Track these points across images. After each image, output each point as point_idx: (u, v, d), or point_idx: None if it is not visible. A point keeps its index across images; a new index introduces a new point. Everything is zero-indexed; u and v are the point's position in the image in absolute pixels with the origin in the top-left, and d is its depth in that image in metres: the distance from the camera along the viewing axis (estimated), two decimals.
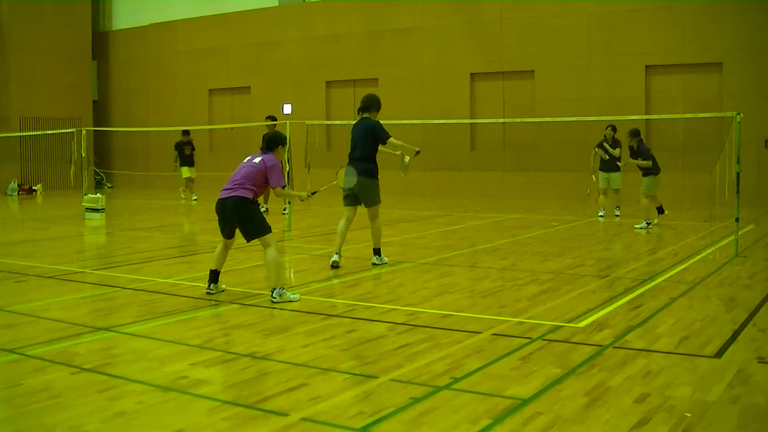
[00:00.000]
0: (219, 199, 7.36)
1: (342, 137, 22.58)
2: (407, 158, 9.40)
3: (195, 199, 19.86)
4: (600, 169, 14.92)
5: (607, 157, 14.69)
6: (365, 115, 9.30)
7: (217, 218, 7.49)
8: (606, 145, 14.53)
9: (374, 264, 9.31)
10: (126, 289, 8.07)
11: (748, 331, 5.96)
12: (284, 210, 14.05)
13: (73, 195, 20.86)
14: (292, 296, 7.25)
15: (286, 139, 7.69)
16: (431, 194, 20.48)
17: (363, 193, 9.15)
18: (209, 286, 7.57)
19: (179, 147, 20.13)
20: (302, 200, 7.95)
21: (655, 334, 5.91)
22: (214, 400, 4.45)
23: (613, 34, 18.82)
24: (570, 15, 19.30)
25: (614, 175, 14.76)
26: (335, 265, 9.11)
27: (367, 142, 9.11)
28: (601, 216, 14.83)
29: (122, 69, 27.52)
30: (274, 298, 7.18)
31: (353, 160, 9.10)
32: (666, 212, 13.51)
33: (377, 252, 9.39)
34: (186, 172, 20.09)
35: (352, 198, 9.23)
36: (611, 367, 5.03)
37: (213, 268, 7.58)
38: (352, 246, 10.31)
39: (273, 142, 7.49)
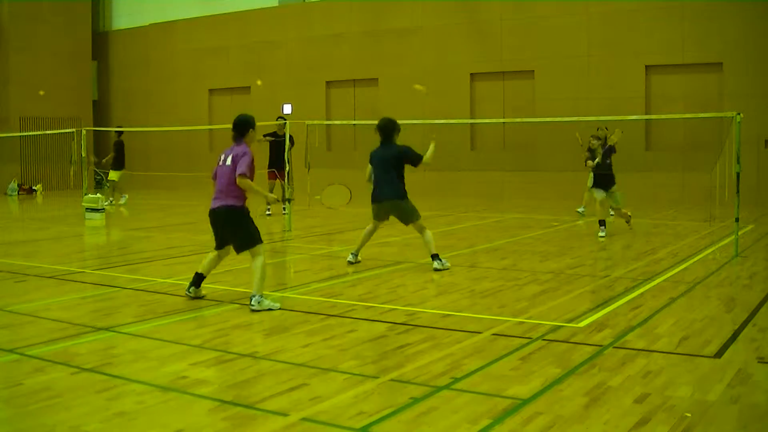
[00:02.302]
0: (211, 210, 7.21)
1: (342, 137, 22.67)
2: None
3: (109, 203, 18.85)
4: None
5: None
6: (388, 142, 9.13)
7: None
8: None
9: (435, 269, 8.97)
10: (126, 289, 8.07)
11: (748, 331, 5.96)
12: (284, 210, 14.01)
13: (73, 195, 20.87)
14: (272, 305, 6.96)
15: (254, 120, 7.31)
16: (431, 194, 20.46)
17: (397, 213, 9.19)
18: (189, 288, 7.41)
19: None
20: (268, 202, 7.74)
21: (655, 334, 5.91)
22: (214, 400, 4.45)
23: (613, 34, 18.82)
24: (570, 15, 19.30)
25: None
26: (350, 263, 9.31)
27: (396, 166, 9.05)
28: (580, 211, 15.07)
29: (122, 69, 27.53)
30: (253, 305, 6.90)
31: (382, 185, 9.04)
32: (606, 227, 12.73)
33: (435, 257, 9.08)
34: (112, 174, 19.24)
35: (383, 216, 9.28)
36: (611, 367, 5.03)
37: (199, 272, 7.42)
38: (352, 246, 10.29)
39: (243, 126, 7.15)
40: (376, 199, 9.17)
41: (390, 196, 9.03)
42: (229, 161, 7.10)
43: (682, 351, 5.42)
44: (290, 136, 14.23)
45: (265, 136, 15.85)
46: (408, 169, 9.32)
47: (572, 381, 4.74)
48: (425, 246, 9.23)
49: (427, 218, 15.06)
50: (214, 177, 7.32)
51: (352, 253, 9.46)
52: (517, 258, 10.04)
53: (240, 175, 6.95)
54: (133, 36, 27.11)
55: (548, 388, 4.61)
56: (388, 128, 9.17)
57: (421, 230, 9.18)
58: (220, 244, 7.34)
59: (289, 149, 14.37)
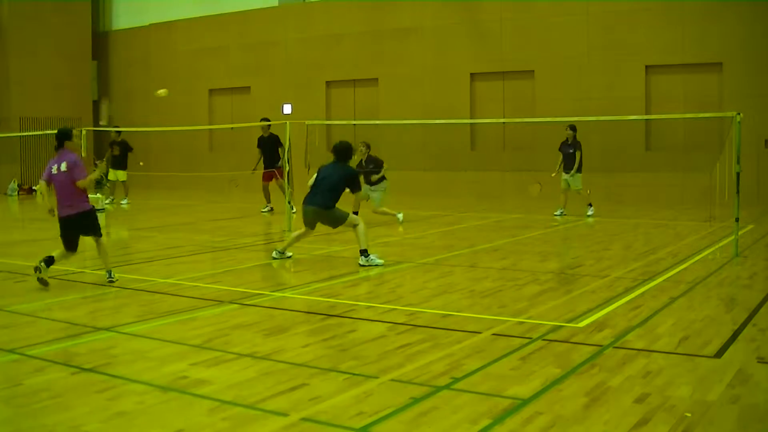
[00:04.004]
0: (64, 217, 8.10)
1: (342, 137, 22.59)
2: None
3: (108, 202, 19.00)
4: (564, 170, 15.32)
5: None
6: (341, 163, 9.61)
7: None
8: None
9: (360, 264, 9.24)
10: (126, 289, 8.07)
11: (748, 331, 5.96)
12: (293, 210, 13.92)
13: None
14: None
15: (71, 130, 8.27)
16: (431, 194, 20.47)
17: (324, 221, 9.57)
18: (38, 265, 7.93)
19: (110, 146, 19.56)
20: (43, 202, 8.28)
21: (655, 334, 5.91)
22: (214, 400, 4.45)
23: (613, 34, 18.80)
24: (570, 15, 19.30)
25: (571, 176, 15.13)
26: (273, 258, 9.76)
27: (339, 185, 9.46)
28: (557, 215, 15.07)
29: (122, 69, 27.51)
30: (113, 278, 8.26)
31: (316, 193, 9.48)
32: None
33: (364, 252, 9.31)
34: (111, 174, 19.29)
35: (309, 221, 9.61)
36: (611, 367, 5.03)
37: (52, 255, 8.08)
38: (351, 246, 10.29)
39: (61, 137, 8.10)
40: (305, 202, 9.61)
41: (317, 203, 9.44)
42: (63, 167, 7.96)
43: (682, 351, 5.42)
44: (276, 137, 14.30)
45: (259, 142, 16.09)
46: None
47: (572, 381, 4.74)
48: (356, 240, 9.40)
49: (428, 218, 15.10)
50: (49, 182, 8.11)
51: (276, 250, 9.89)
52: (517, 258, 10.05)
53: (82, 179, 7.98)
54: (133, 36, 27.09)
55: (548, 388, 4.61)
56: (345, 152, 9.65)
57: (353, 227, 9.45)
58: (73, 247, 8.33)
59: (280, 149, 14.40)
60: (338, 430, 4.01)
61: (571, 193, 15.34)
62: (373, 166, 14.09)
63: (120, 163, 19.38)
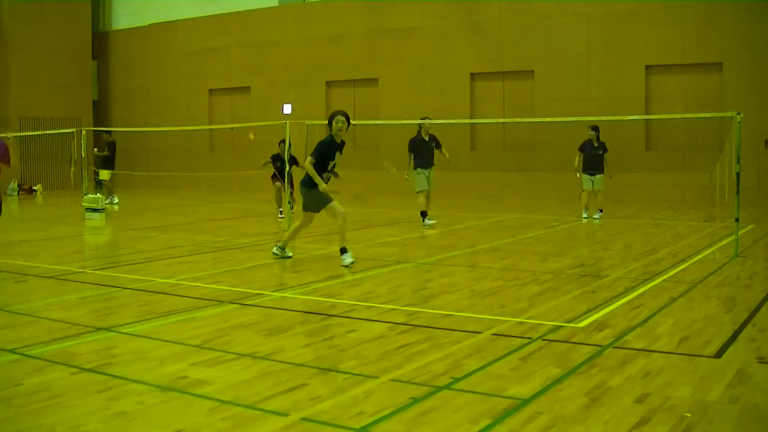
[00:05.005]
0: None
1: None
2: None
3: (108, 202, 18.84)
4: (584, 171, 14.79)
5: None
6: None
7: None
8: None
9: (343, 266, 9.13)
10: (126, 289, 8.07)
11: (748, 331, 5.96)
12: (292, 209, 13.88)
13: (73, 195, 20.86)
14: None
15: None
16: (431, 194, 20.45)
17: (307, 201, 9.49)
18: None
19: (105, 146, 19.63)
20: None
21: (655, 334, 5.91)
22: (214, 400, 4.45)
23: (613, 34, 18.82)
24: (570, 15, 19.31)
25: (597, 177, 14.69)
26: (275, 255, 9.83)
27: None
28: (585, 218, 14.72)
29: (122, 69, 27.53)
30: None
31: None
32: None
33: (343, 251, 9.25)
34: (100, 174, 19.35)
35: (305, 206, 9.57)
36: (611, 367, 5.03)
37: None
38: (351, 246, 10.29)
39: None
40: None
41: (301, 181, 9.38)
42: None
43: (682, 351, 5.42)
44: (293, 157, 14.21)
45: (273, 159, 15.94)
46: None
47: (572, 381, 4.74)
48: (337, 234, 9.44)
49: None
50: None
51: (277, 246, 9.91)
52: (517, 258, 10.04)
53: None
54: (133, 36, 27.11)
55: (548, 388, 4.60)
56: (328, 121, 9.56)
57: (333, 216, 9.39)
58: None
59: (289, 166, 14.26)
60: (338, 430, 4.01)
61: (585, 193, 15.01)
62: (435, 144, 14.03)
63: (107, 163, 19.32)
